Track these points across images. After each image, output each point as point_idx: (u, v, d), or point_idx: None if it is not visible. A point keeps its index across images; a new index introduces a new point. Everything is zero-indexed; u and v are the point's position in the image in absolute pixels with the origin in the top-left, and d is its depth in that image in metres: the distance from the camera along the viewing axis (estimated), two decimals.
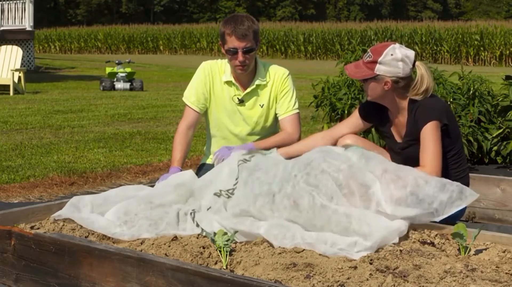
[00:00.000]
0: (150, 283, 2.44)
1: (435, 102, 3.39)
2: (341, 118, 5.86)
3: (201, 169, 3.96)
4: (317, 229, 2.89)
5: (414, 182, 2.96)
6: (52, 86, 16.19)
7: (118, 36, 43.97)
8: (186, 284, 2.35)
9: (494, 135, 5.87)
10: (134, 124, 9.21)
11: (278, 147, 3.76)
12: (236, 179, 3.16)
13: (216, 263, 2.74)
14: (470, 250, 2.80)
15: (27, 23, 21.37)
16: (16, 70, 14.30)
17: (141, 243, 2.96)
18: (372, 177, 2.98)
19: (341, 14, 70.33)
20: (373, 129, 5.38)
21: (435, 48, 33.84)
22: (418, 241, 2.93)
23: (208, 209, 3.13)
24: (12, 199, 4.85)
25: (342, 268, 2.56)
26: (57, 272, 2.73)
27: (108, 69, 16.04)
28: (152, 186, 3.52)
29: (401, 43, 3.50)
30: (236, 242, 2.91)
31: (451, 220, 3.03)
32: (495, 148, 5.91)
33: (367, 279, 2.45)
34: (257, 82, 3.85)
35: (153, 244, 2.92)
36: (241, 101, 3.87)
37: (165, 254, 2.79)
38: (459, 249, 2.81)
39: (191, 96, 3.90)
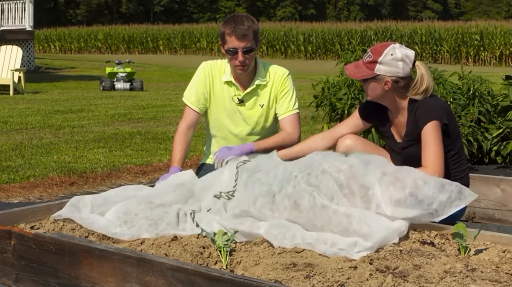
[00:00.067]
0: (150, 283, 2.44)
1: (435, 102, 3.39)
2: (341, 118, 5.86)
3: (201, 169, 3.96)
4: (317, 229, 2.90)
5: (413, 183, 2.97)
6: (52, 86, 16.19)
7: (118, 36, 43.97)
8: (186, 284, 2.35)
9: (494, 135, 5.87)
10: (134, 124, 9.21)
11: (278, 146, 3.75)
12: (236, 181, 3.16)
13: (216, 263, 2.74)
14: (470, 250, 2.80)
15: (27, 23, 21.37)
16: (16, 70, 14.30)
17: (141, 243, 2.96)
18: (372, 179, 2.99)
19: (341, 14, 70.33)
20: (373, 129, 5.38)
21: (435, 48, 33.84)
22: (418, 241, 2.93)
23: (208, 211, 3.14)
24: (12, 199, 4.85)
25: (342, 268, 2.56)
26: (57, 272, 2.73)
27: (108, 69, 16.04)
28: (152, 186, 3.52)
29: (401, 43, 3.50)
30: (236, 242, 2.91)
31: (451, 220, 3.03)
32: (495, 148, 5.91)
33: (367, 279, 2.45)
34: (257, 82, 3.85)
35: (153, 244, 2.92)
36: (241, 101, 3.87)
37: (165, 254, 2.79)
38: (459, 249, 2.81)
39: (191, 96, 3.90)
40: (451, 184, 3.00)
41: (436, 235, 2.97)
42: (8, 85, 13.99)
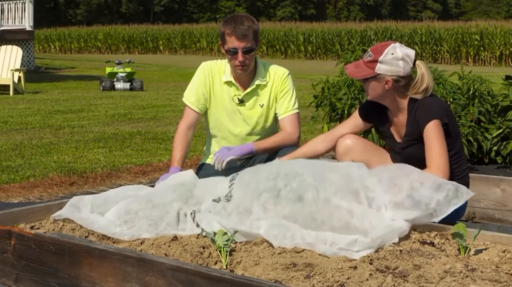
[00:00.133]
0: (150, 283, 2.44)
1: (435, 102, 3.39)
2: (341, 118, 5.86)
3: (201, 169, 3.96)
4: (317, 224, 2.88)
5: (409, 185, 2.99)
6: (52, 86, 16.19)
7: (118, 36, 43.97)
8: (186, 284, 2.35)
9: (494, 135, 5.86)
10: (134, 124, 9.21)
11: (278, 146, 3.77)
12: (231, 185, 3.15)
13: (216, 263, 2.74)
14: (470, 250, 2.80)
15: (27, 23, 21.37)
16: (16, 70, 14.30)
17: (141, 243, 2.96)
18: (372, 183, 3.01)
19: (341, 14, 70.34)
20: (373, 129, 5.38)
21: (435, 48, 33.85)
22: (418, 241, 2.93)
23: (208, 212, 3.13)
24: (12, 199, 4.85)
25: (342, 268, 2.56)
26: (57, 272, 2.73)
27: (108, 69, 16.04)
28: (152, 186, 3.53)
29: (401, 43, 3.49)
30: (236, 242, 2.91)
31: (451, 220, 3.04)
32: (495, 148, 5.91)
33: (367, 279, 2.45)
34: (257, 82, 3.85)
35: (153, 244, 2.92)
36: (241, 102, 3.87)
37: (165, 254, 2.79)
38: (459, 249, 2.81)
39: (191, 96, 3.90)
40: (448, 183, 3.02)
41: (436, 235, 2.97)
42: (8, 85, 13.99)
